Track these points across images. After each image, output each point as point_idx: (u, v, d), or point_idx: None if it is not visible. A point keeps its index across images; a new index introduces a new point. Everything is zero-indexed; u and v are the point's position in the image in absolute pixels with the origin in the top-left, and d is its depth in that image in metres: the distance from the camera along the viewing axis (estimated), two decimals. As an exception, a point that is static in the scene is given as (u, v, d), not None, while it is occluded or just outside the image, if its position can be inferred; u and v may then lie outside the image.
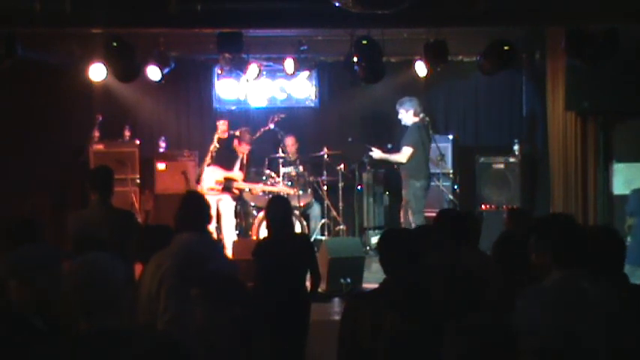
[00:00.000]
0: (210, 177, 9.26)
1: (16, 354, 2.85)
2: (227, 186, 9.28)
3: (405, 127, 8.96)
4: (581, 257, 3.19)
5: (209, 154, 9.21)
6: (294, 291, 5.25)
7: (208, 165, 9.24)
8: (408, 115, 8.90)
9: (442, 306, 3.48)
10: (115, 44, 7.79)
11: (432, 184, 9.33)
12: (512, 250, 3.83)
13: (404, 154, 8.82)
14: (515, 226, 5.07)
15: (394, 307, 3.51)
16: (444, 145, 9.74)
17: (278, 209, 5.46)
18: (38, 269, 3.06)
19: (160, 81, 9.01)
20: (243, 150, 9.37)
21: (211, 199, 8.76)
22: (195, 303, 3.01)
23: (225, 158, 9.30)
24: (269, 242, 5.44)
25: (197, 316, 3.06)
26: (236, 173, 9.36)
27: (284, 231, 5.40)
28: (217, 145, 9.21)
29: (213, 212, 8.77)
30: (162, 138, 10.18)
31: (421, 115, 8.93)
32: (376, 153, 9.22)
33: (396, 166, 9.24)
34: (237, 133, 9.35)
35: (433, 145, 9.21)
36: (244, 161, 9.41)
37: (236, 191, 9.40)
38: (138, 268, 4.39)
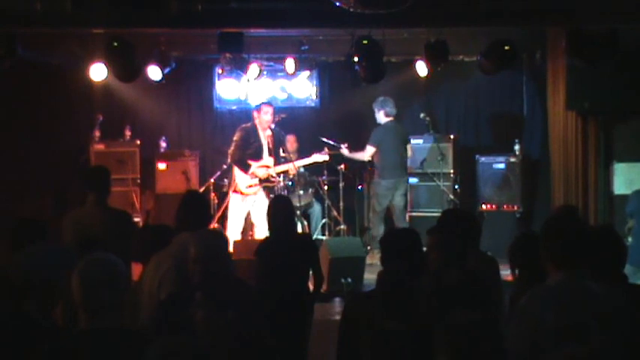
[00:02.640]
0: (243, 175, 8.77)
1: (20, 351, 2.86)
2: (263, 178, 8.80)
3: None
4: (580, 258, 3.19)
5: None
6: (296, 291, 5.24)
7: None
8: (379, 115, 9.36)
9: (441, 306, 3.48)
10: (115, 44, 7.79)
11: (432, 184, 9.31)
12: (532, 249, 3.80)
13: (366, 153, 9.37)
14: None
15: (394, 307, 3.51)
16: (444, 145, 9.76)
17: (280, 209, 5.46)
18: (43, 269, 3.07)
19: (160, 81, 9.00)
20: (264, 124, 8.79)
21: (248, 201, 8.75)
22: (197, 304, 3.02)
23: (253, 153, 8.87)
24: (271, 242, 5.43)
25: (198, 316, 3.06)
26: (266, 160, 8.85)
27: (286, 231, 5.40)
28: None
29: (243, 214, 8.76)
30: (163, 138, 10.16)
31: (423, 117, 9.05)
32: (344, 151, 9.45)
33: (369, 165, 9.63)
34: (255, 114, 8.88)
35: (434, 145, 9.23)
36: (270, 145, 8.88)
37: (273, 179, 8.86)
38: (138, 268, 4.40)
